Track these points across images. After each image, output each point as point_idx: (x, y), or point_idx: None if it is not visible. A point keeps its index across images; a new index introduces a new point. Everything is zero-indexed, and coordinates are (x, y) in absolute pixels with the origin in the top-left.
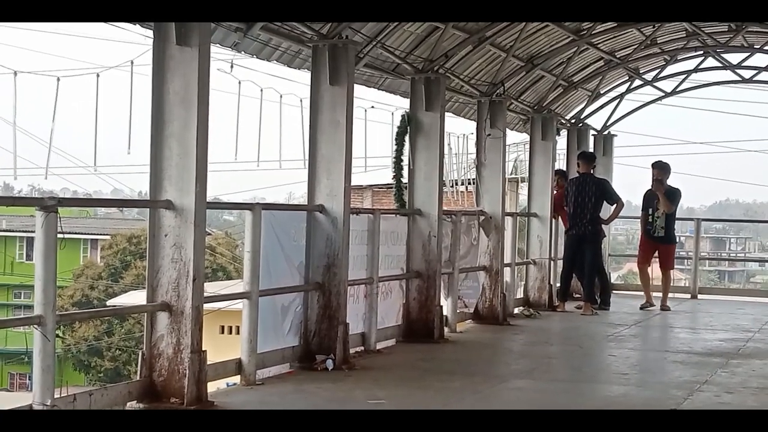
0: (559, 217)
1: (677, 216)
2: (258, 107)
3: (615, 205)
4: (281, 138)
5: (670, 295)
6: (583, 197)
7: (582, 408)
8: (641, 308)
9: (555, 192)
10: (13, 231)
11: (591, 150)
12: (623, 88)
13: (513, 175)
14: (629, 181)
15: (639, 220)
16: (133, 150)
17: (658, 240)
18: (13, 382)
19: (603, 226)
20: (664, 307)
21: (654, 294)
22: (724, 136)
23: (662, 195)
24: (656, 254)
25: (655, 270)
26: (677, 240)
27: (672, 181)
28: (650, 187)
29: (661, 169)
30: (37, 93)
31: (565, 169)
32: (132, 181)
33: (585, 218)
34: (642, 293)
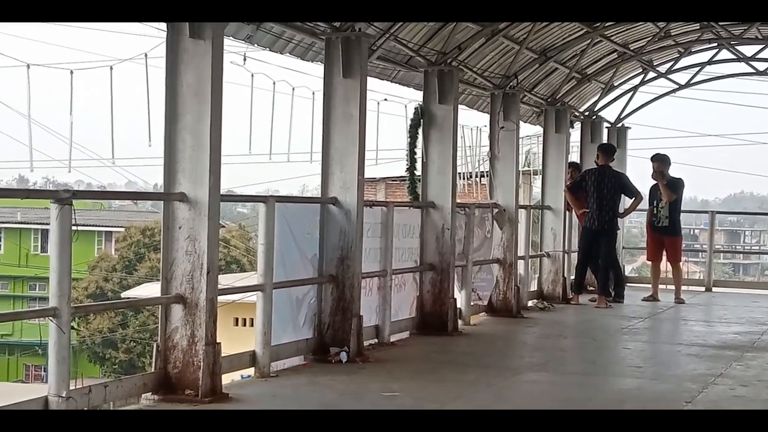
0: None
1: (684, 208)
2: (271, 100)
3: (634, 199)
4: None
5: (684, 287)
6: (602, 190)
7: (596, 400)
8: (643, 300)
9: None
10: (27, 223)
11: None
12: (637, 81)
13: (526, 168)
14: (641, 172)
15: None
16: (147, 142)
17: (663, 231)
18: (29, 374)
19: (618, 219)
20: (679, 300)
21: (668, 287)
22: (739, 128)
23: (663, 184)
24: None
25: (666, 264)
26: (682, 232)
27: (685, 174)
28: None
29: (661, 161)
30: (49, 85)
31: (578, 161)
32: (146, 173)
33: (603, 211)
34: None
